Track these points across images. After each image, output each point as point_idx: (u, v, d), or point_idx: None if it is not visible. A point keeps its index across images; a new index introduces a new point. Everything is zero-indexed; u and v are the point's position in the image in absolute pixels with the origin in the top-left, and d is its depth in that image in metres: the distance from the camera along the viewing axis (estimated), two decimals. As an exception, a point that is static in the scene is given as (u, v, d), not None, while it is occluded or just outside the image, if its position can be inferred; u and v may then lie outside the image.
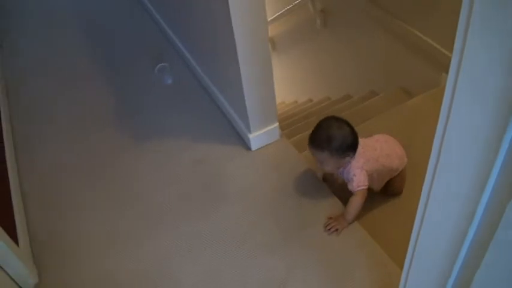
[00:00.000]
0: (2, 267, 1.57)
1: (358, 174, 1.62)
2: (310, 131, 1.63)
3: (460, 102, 0.64)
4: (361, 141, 1.65)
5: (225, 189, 1.91)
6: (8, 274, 1.60)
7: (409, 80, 2.60)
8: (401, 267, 1.08)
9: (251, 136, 1.97)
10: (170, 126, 2.24)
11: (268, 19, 3.28)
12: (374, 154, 1.68)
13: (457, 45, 0.61)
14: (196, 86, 2.40)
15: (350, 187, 1.64)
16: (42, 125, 2.37)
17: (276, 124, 2.01)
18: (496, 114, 0.58)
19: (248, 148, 2.02)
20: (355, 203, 1.65)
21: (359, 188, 1.62)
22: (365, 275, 1.56)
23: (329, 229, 1.68)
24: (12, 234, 1.69)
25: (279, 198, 1.82)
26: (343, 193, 1.76)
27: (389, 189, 1.82)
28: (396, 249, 1.32)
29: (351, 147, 1.59)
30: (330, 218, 1.72)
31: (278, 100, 2.11)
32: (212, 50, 2.06)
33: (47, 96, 2.56)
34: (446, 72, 0.65)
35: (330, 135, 1.56)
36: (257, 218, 1.78)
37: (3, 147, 2.12)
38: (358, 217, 1.71)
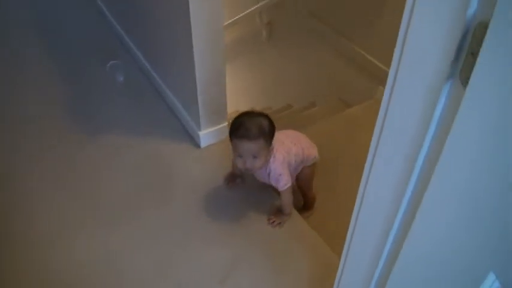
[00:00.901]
0: None
1: (284, 172, 1.68)
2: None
3: (394, 113, 0.77)
4: (278, 135, 1.72)
5: (174, 184, 1.96)
6: None
7: (347, 91, 2.78)
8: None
9: (201, 133, 2.04)
10: (121, 122, 2.26)
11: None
12: (285, 147, 1.74)
13: (394, 60, 0.73)
14: (148, 84, 2.44)
15: (277, 186, 1.70)
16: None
17: (225, 124, 2.09)
18: (419, 123, 0.71)
19: (197, 145, 2.09)
20: (287, 199, 1.75)
21: (286, 187, 1.70)
22: (306, 265, 1.67)
23: (273, 223, 1.78)
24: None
25: (225, 193, 1.89)
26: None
27: (299, 184, 1.91)
28: (338, 242, 1.44)
29: (273, 132, 1.65)
30: (271, 216, 1.80)
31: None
32: (167, 50, 2.12)
33: None
34: (383, 85, 0.77)
35: (258, 123, 1.60)
36: (204, 212, 1.85)
37: None
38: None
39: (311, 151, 1.83)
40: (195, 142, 2.10)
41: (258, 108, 3.72)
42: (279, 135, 1.72)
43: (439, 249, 0.74)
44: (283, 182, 1.68)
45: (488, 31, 0.54)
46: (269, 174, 1.69)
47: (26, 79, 2.56)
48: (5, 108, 2.36)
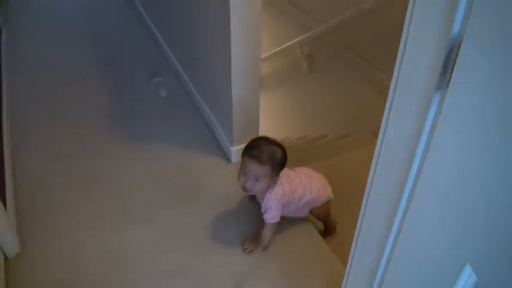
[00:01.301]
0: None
1: (274, 207, 1.72)
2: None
3: (393, 121, 0.85)
4: (287, 172, 1.78)
5: (200, 194, 2.08)
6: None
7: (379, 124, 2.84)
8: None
9: (233, 149, 2.16)
10: (159, 134, 2.41)
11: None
12: (292, 185, 1.77)
13: (394, 74, 0.82)
14: (187, 100, 2.60)
15: (264, 216, 1.75)
16: (39, 117, 2.53)
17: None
18: (413, 130, 0.79)
19: (228, 160, 2.20)
20: (267, 234, 1.78)
21: (271, 221, 1.75)
22: (320, 283, 1.73)
23: (245, 249, 1.82)
24: (2, 197, 1.81)
25: (248, 208, 1.98)
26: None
27: (316, 217, 1.96)
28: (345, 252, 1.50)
29: (283, 165, 1.71)
30: (247, 241, 1.84)
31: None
32: (207, 70, 2.27)
33: (45, 93, 2.72)
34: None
35: (273, 151, 1.67)
36: (226, 222, 1.95)
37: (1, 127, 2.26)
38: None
39: (323, 192, 1.85)
40: (226, 157, 2.22)
41: (294, 136, 3.84)
42: (291, 173, 1.80)
43: (422, 247, 0.81)
44: (270, 216, 1.73)
45: (462, 46, 0.63)
46: (263, 200, 1.75)
47: (73, 83, 2.81)
48: (50, 107, 2.60)
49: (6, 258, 1.78)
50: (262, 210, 1.76)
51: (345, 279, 1.27)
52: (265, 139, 1.74)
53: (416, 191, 0.80)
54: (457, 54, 0.66)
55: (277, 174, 1.71)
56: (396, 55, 0.79)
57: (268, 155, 1.65)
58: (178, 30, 2.57)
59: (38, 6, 3.71)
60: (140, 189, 2.09)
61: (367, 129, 2.96)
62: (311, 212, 1.92)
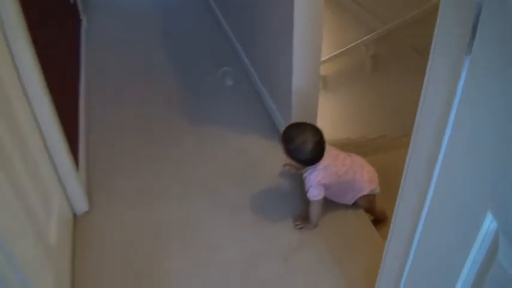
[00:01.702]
0: (63, 185, 1.88)
1: (314, 186, 1.81)
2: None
3: (430, 87, 0.92)
4: (333, 154, 1.85)
5: (257, 174, 2.21)
6: (66, 194, 1.91)
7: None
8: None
9: (291, 135, 2.27)
10: (223, 119, 2.58)
11: (322, 59, 3.63)
12: (339, 171, 1.84)
13: (432, 44, 0.89)
14: (251, 89, 2.75)
15: (307, 195, 1.85)
16: (114, 97, 2.78)
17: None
18: (447, 93, 0.85)
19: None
20: (313, 211, 1.87)
21: (314, 199, 1.84)
22: (364, 263, 1.79)
23: (296, 225, 1.92)
24: (75, 159, 2.02)
25: (302, 188, 2.07)
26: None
27: (361, 207, 2.00)
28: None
29: (302, 161, 1.80)
30: (299, 217, 1.93)
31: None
32: (270, 61, 2.41)
33: (122, 72, 3.01)
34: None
35: (291, 136, 1.79)
36: (280, 200, 2.06)
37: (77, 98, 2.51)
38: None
39: (368, 185, 1.91)
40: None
41: (354, 136, 3.88)
42: (346, 158, 1.88)
43: (450, 203, 0.88)
44: (311, 194, 1.83)
45: (482, 10, 0.70)
46: (305, 180, 1.84)
47: (147, 68, 3.06)
48: (124, 87, 2.85)
49: (74, 215, 1.99)
50: (305, 188, 1.86)
51: (384, 251, 1.34)
52: (302, 126, 1.82)
53: (447, 151, 0.87)
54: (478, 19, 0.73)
55: (311, 164, 1.80)
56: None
57: (292, 156, 1.80)
58: (245, 25, 2.73)
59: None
60: (203, 167, 2.26)
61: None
62: (356, 201, 1.97)
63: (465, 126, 0.82)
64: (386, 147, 2.97)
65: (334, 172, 1.85)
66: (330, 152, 1.86)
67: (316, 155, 1.79)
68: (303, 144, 1.76)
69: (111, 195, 2.11)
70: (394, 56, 3.31)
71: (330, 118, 2.23)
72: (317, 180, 1.82)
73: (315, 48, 2.03)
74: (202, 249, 1.87)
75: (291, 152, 1.80)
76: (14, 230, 0.85)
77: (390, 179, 1.98)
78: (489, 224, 0.77)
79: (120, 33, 3.51)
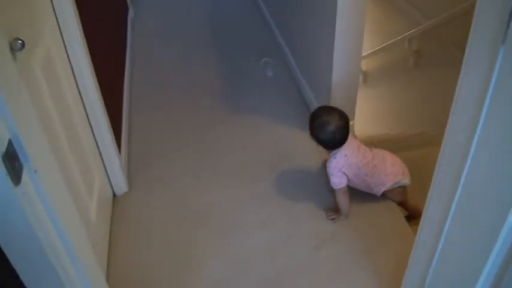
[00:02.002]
0: (105, 165, 1.97)
1: (334, 175, 1.85)
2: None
3: (468, 72, 0.93)
4: (355, 145, 1.86)
5: (293, 164, 2.24)
6: (107, 175, 2.01)
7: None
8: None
9: (327, 128, 2.28)
10: (262, 108, 2.62)
11: (364, 54, 3.61)
12: (360, 162, 1.85)
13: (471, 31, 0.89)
14: (290, 81, 2.78)
15: (330, 184, 1.88)
16: (156, 83, 2.88)
17: (352, 123, 2.30)
18: (483, 82, 0.85)
19: (322, 137, 2.34)
20: (338, 200, 1.89)
21: (335, 187, 1.85)
22: (395, 255, 1.79)
23: (329, 216, 1.94)
24: (117, 142, 2.10)
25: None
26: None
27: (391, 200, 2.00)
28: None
29: (322, 141, 1.83)
30: (331, 209, 1.95)
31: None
32: (311, 53, 2.43)
33: (166, 62, 3.10)
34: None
35: (318, 113, 1.84)
36: (314, 189, 2.09)
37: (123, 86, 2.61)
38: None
39: (392, 178, 1.90)
40: (319, 134, 2.36)
41: (392, 132, 3.85)
42: (367, 152, 1.89)
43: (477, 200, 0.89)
44: (333, 182, 1.86)
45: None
46: (327, 167, 1.87)
47: (191, 56, 3.13)
48: (167, 74, 2.95)
49: (114, 195, 2.08)
50: (328, 177, 1.88)
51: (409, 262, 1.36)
52: (330, 110, 1.86)
53: (479, 142, 0.88)
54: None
55: (330, 148, 1.85)
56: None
57: (315, 134, 1.84)
58: (288, 16, 2.76)
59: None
60: (238, 155, 2.31)
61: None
62: (385, 194, 1.97)
63: (498, 115, 0.83)
64: (424, 144, 2.93)
65: (354, 163, 1.86)
66: (352, 143, 1.88)
67: (336, 138, 1.82)
68: (327, 124, 1.80)
69: (149, 179, 2.20)
70: (437, 52, 3.26)
71: (368, 113, 2.24)
72: (338, 168, 1.84)
73: (357, 41, 2.04)
74: (233, 233, 1.92)
75: (314, 129, 1.84)
76: (62, 207, 0.92)
77: (425, 175, 1.97)
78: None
79: (165, 23, 3.60)
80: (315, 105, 2.45)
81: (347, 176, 1.87)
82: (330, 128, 1.80)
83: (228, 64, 3.03)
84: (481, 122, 0.90)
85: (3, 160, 0.71)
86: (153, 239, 1.92)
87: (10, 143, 0.73)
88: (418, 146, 2.81)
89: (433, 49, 3.30)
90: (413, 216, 2.06)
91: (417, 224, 2.02)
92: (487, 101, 0.87)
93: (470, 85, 0.94)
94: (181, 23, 3.61)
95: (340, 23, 1.93)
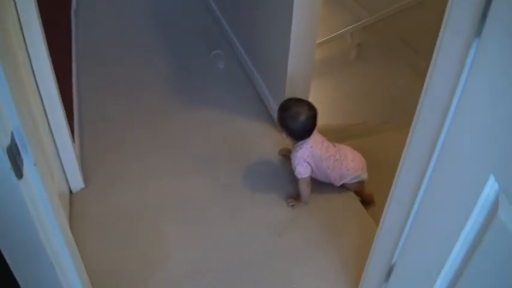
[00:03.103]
0: (62, 162, 1.91)
1: (300, 164, 1.92)
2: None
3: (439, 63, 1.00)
4: (319, 139, 1.96)
5: (249, 156, 2.28)
6: (64, 170, 1.94)
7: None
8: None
9: (282, 117, 2.34)
10: (215, 101, 2.63)
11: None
12: (323, 155, 1.94)
13: (442, 25, 0.97)
14: (242, 73, 2.82)
15: (295, 173, 1.95)
16: (105, 76, 2.81)
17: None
18: (456, 71, 0.94)
19: (275, 126, 2.39)
20: (301, 189, 1.98)
21: (300, 176, 1.94)
22: (354, 237, 1.90)
23: (289, 203, 2.02)
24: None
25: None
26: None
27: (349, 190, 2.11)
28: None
29: (293, 131, 1.90)
30: (291, 196, 2.03)
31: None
32: (264, 44, 2.47)
33: (112, 55, 3.02)
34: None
35: (289, 104, 1.92)
36: (272, 180, 2.15)
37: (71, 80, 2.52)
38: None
39: (352, 172, 2.00)
40: (274, 124, 2.41)
41: (335, 122, 3.99)
42: (330, 146, 1.98)
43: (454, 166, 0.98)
44: (298, 171, 1.93)
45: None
46: (292, 158, 1.95)
47: (138, 51, 3.06)
48: (117, 70, 2.87)
49: (71, 192, 2.02)
50: (292, 167, 1.96)
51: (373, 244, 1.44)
52: (299, 101, 1.94)
53: (453, 121, 0.96)
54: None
55: (300, 138, 1.92)
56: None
57: (285, 124, 1.91)
58: (237, 8, 2.78)
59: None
60: (195, 147, 2.32)
61: (408, 116, 3.09)
62: (343, 185, 2.07)
63: (469, 106, 0.91)
64: (366, 133, 3.08)
65: (318, 156, 1.94)
66: (316, 137, 1.97)
67: (306, 128, 1.90)
68: (298, 114, 1.87)
69: (106, 173, 2.15)
70: (379, 45, 3.42)
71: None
72: (303, 158, 1.91)
73: (312, 32, 2.10)
74: (197, 224, 1.94)
75: (285, 119, 1.90)
76: (54, 202, 0.90)
77: (368, 163, 2.10)
78: (491, 185, 0.86)
79: (109, 15, 3.49)
80: (268, 97, 2.50)
81: (311, 166, 1.94)
82: (301, 118, 1.87)
83: (177, 57, 3.01)
84: (451, 113, 0.98)
85: (8, 153, 0.69)
86: (114, 236, 1.89)
87: (12, 135, 0.72)
88: (360, 135, 2.96)
89: (374, 42, 3.46)
90: (366, 202, 2.17)
91: (370, 208, 2.15)
92: (459, 89, 0.96)
93: (441, 76, 1.02)
94: (126, 14, 3.52)
95: (297, 14, 1.97)
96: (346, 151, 2.04)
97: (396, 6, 3.26)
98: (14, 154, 0.71)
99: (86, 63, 2.87)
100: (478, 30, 0.87)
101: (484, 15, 0.85)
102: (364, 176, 2.05)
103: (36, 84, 1.64)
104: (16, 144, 0.73)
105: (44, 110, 1.73)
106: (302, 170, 1.93)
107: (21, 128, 0.74)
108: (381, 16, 3.38)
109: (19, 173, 0.73)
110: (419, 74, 2.97)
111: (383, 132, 2.89)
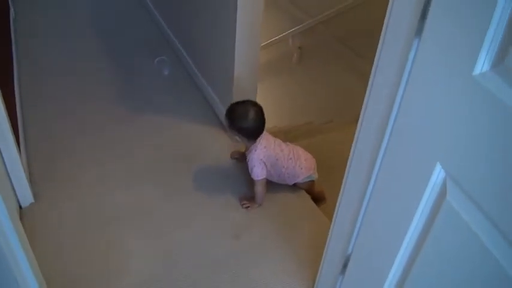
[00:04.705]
0: (9, 176, 1.83)
1: (257, 166, 1.95)
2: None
3: (381, 64, 1.07)
4: (271, 138, 2.02)
5: (200, 160, 2.29)
6: (12, 185, 1.87)
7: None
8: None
9: (230, 120, 2.36)
10: (161, 107, 2.62)
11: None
12: (277, 154, 1.99)
13: (384, 25, 1.03)
14: (188, 78, 2.82)
15: (252, 175, 1.97)
16: (47, 87, 2.72)
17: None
18: (398, 70, 1.01)
19: (225, 129, 2.41)
20: (257, 191, 2.01)
21: (257, 179, 1.98)
22: (309, 234, 1.95)
23: (243, 205, 2.04)
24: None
25: (245, 171, 2.13)
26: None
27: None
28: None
29: (244, 130, 1.92)
30: (244, 198, 2.06)
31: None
32: (209, 51, 2.49)
33: (53, 64, 2.94)
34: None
35: (233, 108, 1.95)
36: (224, 182, 2.17)
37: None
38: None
39: (305, 171, 2.06)
40: (224, 127, 2.43)
41: (281, 124, 4.07)
42: (283, 145, 2.04)
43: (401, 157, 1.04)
44: (255, 173, 1.96)
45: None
46: (249, 160, 1.98)
47: (80, 62, 2.99)
48: (58, 82, 2.79)
49: (20, 208, 1.95)
50: (249, 169, 1.98)
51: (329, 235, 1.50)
52: (246, 102, 1.97)
53: (397, 122, 1.02)
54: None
55: (253, 136, 1.95)
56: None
57: (236, 125, 1.93)
58: (179, 12, 2.78)
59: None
60: (145, 155, 2.30)
61: (351, 115, 3.20)
62: (295, 184, 2.12)
63: (413, 101, 0.97)
64: (314, 133, 3.17)
65: (273, 155, 1.99)
66: (268, 137, 2.02)
67: (257, 125, 1.93)
68: (246, 111, 1.92)
69: (55, 186, 2.09)
70: (319, 48, 3.52)
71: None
72: (259, 159, 1.95)
73: (256, 34, 2.14)
74: (153, 232, 1.92)
75: (235, 120, 1.93)
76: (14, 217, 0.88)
77: (318, 161, 2.17)
78: (438, 173, 0.93)
79: (49, 23, 3.39)
80: (216, 100, 2.51)
81: (266, 167, 1.97)
82: (250, 115, 1.91)
83: (120, 65, 2.97)
84: (395, 109, 1.04)
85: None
86: (69, 250, 1.84)
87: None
88: (307, 135, 3.03)
89: (315, 45, 3.56)
90: (318, 199, 2.24)
91: (321, 205, 2.22)
92: (402, 85, 1.02)
93: (384, 75, 1.08)
94: (66, 21, 3.43)
95: (241, 16, 2.00)
96: (299, 151, 2.09)
97: (335, 9, 3.38)
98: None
99: (28, 74, 2.77)
100: (419, 30, 0.93)
101: (423, 15, 0.91)
102: (315, 175, 2.11)
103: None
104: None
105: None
106: (259, 172, 1.95)
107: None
108: (321, 19, 3.49)
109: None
110: (359, 74, 3.10)
111: (329, 131, 2.97)
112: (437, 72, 0.89)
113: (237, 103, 1.98)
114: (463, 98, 0.82)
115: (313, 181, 2.13)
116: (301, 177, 2.06)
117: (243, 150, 2.14)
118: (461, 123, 0.84)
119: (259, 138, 1.96)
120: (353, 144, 1.29)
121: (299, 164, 2.04)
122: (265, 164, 1.97)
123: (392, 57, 1.03)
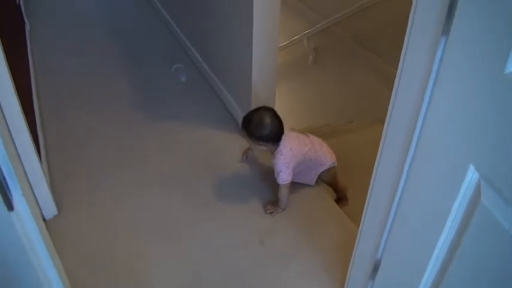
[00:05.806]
0: (33, 190, 1.84)
1: (283, 171, 1.93)
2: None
3: (407, 65, 1.05)
4: (294, 136, 2.00)
5: (221, 166, 2.29)
6: (36, 198, 1.88)
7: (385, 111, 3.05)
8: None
9: (250, 126, 2.36)
10: (180, 115, 2.63)
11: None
12: (303, 150, 1.99)
13: (408, 24, 1.01)
14: (205, 84, 2.83)
15: (278, 180, 1.95)
16: (66, 97, 2.76)
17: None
18: (425, 71, 0.98)
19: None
20: (282, 194, 1.99)
21: (284, 183, 1.96)
22: (334, 235, 1.93)
23: (267, 210, 2.03)
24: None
25: (267, 176, 2.16)
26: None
27: (326, 183, 2.17)
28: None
29: (265, 136, 1.91)
30: (268, 203, 2.05)
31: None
32: (228, 58, 2.49)
33: (75, 76, 2.97)
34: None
35: (248, 117, 1.93)
36: (248, 187, 2.16)
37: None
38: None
39: (330, 158, 2.08)
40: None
41: (299, 127, 4.05)
42: (305, 138, 2.04)
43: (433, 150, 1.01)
44: (281, 178, 1.94)
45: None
46: (275, 165, 1.96)
47: (102, 72, 3.02)
48: (80, 89, 2.82)
49: (44, 220, 1.95)
50: (275, 174, 1.96)
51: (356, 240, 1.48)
52: (259, 109, 1.96)
53: (427, 119, 1.00)
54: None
55: (275, 140, 1.93)
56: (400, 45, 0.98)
57: (256, 134, 1.91)
58: (194, 20, 2.79)
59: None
60: (166, 162, 2.30)
61: (370, 116, 3.17)
62: (319, 177, 2.12)
63: (441, 102, 0.95)
64: (333, 134, 3.14)
65: (300, 153, 1.98)
66: (290, 135, 1.99)
67: (276, 128, 1.92)
68: (262, 119, 1.91)
69: (77, 197, 2.10)
70: (334, 48, 3.50)
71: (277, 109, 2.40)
72: (286, 164, 1.93)
73: (273, 38, 2.14)
74: (177, 242, 1.91)
75: (253, 130, 1.91)
76: (42, 230, 0.88)
77: (340, 161, 2.15)
78: (471, 175, 0.90)
79: (65, 34, 3.44)
80: (234, 105, 2.51)
81: (293, 168, 1.96)
82: (266, 121, 1.90)
83: (139, 73, 2.99)
84: (423, 109, 1.02)
85: (-2, 186, 0.67)
86: (96, 261, 1.83)
87: (0, 168, 0.69)
88: (326, 136, 2.96)
89: (330, 46, 3.54)
90: (340, 199, 2.22)
91: (344, 206, 2.20)
92: (430, 86, 1.00)
93: (410, 76, 1.06)
94: (80, 32, 3.48)
95: (257, 21, 2.00)
96: (318, 139, 2.11)
97: (349, 10, 3.35)
98: (3, 186, 0.69)
99: (45, 84, 2.81)
100: (446, 28, 0.91)
101: (450, 12, 0.89)
102: (335, 162, 2.11)
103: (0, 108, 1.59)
104: (3, 175, 0.71)
105: (11, 135, 1.67)
106: (285, 177, 1.94)
107: (8, 159, 0.72)
108: (335, 20, 3.47)
109: (9, 205, 0.71)
110: (376, 73, 3.07)
111: (348, 132, 2.94)
112: (466, 71, 0.87)
113: (248, 114, 1.96)
114: (494, 97, 0.80)
115: (335, 169, 2.12)
116: (327, 164, 2.07)
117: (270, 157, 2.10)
118: (493, 122, 0.82)
119: (282, 140, 1.94)
120: (379, 148, 1.26)
121: (321, 152, 2.05)
122: (292, 167, 1.96)
123: (419, 57, 1.01)
